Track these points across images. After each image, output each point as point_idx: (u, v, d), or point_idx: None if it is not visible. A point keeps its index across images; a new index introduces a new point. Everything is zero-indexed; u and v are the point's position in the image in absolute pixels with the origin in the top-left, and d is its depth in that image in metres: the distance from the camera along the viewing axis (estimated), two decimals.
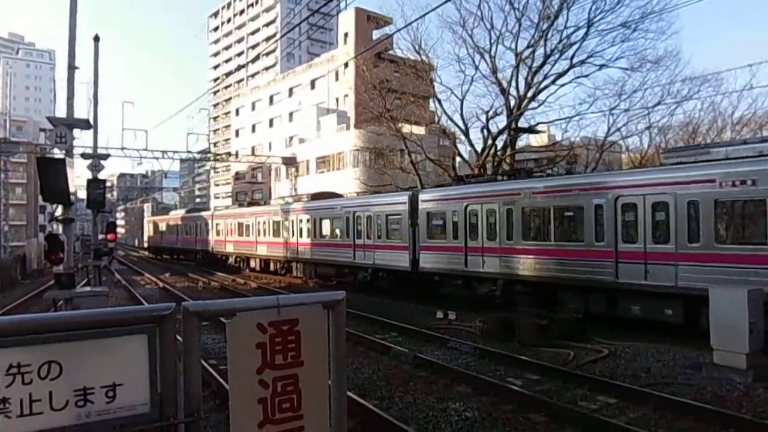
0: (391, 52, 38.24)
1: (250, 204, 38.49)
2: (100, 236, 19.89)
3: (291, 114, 62.21)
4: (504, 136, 28.69)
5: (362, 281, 21.99)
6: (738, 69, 39.14)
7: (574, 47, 26.90)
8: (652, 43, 44.88)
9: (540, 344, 11.88)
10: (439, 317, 15.89)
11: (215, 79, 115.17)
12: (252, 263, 32.80)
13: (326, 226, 24.78)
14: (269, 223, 29.72)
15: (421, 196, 19.45)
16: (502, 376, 9.78)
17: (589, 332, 12.78)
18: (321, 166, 47.54)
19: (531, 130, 28.70)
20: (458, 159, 34.00)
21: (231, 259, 35.58)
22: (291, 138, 59.76)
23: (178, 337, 2.15)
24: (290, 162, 44.30)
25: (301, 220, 26.67)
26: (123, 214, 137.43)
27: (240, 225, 33.55)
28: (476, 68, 29.32)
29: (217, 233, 37.21)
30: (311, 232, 25.48)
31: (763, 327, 9.41)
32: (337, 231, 23.79)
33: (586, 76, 27.68)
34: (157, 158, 36.86)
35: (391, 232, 20.51)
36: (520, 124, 28.99)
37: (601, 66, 27.11)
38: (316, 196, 28.89)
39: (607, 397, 8.37)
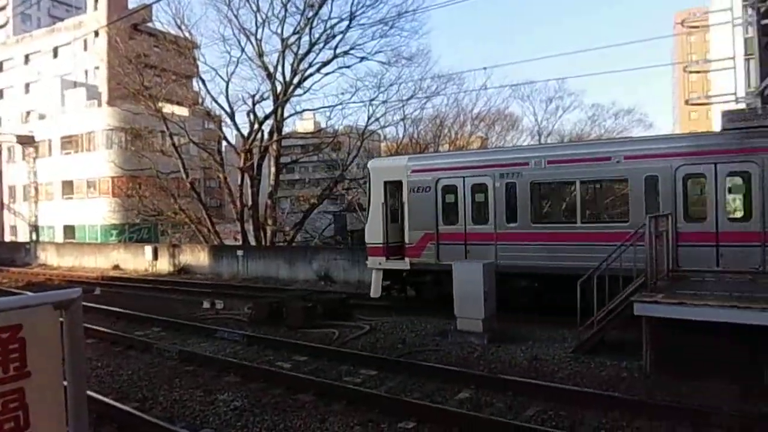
0: (149, 24, 35.47)
1: None
2: None
3: (28, 85, 53.74)
4: (271, 121, 28.67)
5: None
6: (476, 71, 44.60)
7: (338, 38, 28.09)
8: (406, 41, 49.12)
9: (307, 326, 12.22)
10: (206, 307, 15.36)
11: None
12: None
13: None
14: None
15: None
16: (271, 360, 9.84)
17: (354, 311, 13.55)
18: (67, 147, 42.02)
19: None
20: (224, 143, 33.06)
21: None
22: (28, 113, 51.69)
23: None
24: (27, 141, 38.30)
25: None
26: None
27: None
28: (242, 50, 28.82)
29: None
30: None
31: (494, 295, 10.98)
32: None
33: (348, 66, 29.24)
34: None
35: None
36: (286, 110, 29.29)
37: (362, 58, 28.82)
38: None
39: (369, 370, 8.99)
